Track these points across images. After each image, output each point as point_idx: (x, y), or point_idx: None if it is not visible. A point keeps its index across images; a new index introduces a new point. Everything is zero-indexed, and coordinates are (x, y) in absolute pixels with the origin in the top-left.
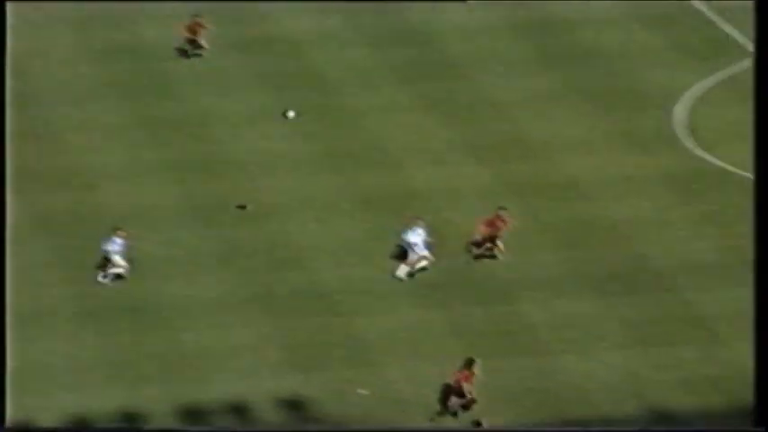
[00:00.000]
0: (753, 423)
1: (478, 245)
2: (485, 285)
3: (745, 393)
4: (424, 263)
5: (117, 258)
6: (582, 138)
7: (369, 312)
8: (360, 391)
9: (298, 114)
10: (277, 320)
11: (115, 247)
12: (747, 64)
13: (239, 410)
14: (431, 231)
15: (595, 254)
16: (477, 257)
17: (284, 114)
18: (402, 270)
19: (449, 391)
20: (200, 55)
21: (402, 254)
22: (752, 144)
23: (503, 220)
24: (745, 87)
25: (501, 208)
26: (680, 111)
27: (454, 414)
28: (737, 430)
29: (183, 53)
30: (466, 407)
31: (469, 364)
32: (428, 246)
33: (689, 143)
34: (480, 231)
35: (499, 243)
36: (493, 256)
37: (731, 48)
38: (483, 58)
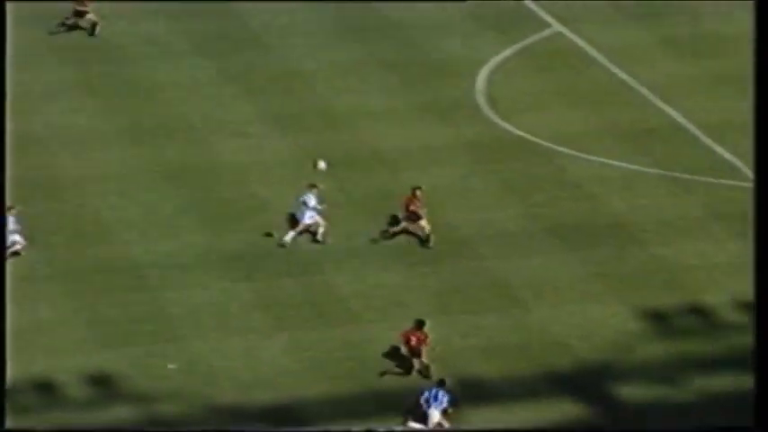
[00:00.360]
0: (753, 423)
1: (398, 222)
2: (292, 257)
3: (548, 359)
4: (304, 227)
5: (14, 237)
6: (384, 108)
7: (175, 286)
8: (169, 365)
9: (328, 165)
10: (82, 296)
11: (9, 225)
12: (545, 34)
13: (44, 388)
14: (322, 199)
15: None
16: (395, 234)
17: (315, 166)
18: (289, 235)
19: (397, 351)
20: (84, 27)
21: (292, 220)
22: (753, 142)
23: (418, 199)
24: (541, 57)
25: (416, 188)
26: (480, 81)
27: (423, 374)
28: (736, 431)
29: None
30: (424, 368)
31: (421, 325)
32: (318, 212)
33: (489, 113)
34: (404, 210)
35: (422, 222)
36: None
37: (528, 18)
38: (283, 30)
